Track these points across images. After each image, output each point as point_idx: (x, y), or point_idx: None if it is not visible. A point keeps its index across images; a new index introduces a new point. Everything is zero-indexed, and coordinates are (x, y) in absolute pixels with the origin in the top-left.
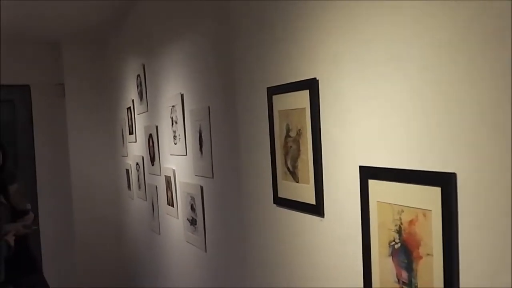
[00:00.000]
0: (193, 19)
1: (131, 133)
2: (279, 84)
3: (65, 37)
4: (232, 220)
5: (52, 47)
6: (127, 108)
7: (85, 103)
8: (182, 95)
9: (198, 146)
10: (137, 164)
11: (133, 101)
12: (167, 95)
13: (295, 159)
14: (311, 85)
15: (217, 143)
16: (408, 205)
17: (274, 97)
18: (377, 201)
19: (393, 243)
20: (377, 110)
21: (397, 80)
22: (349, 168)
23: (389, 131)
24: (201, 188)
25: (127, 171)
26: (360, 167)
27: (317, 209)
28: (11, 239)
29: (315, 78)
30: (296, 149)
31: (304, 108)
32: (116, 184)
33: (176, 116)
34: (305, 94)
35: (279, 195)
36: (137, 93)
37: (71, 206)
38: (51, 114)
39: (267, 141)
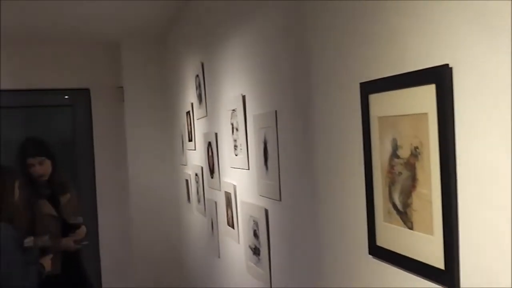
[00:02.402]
0: (256, 6)
1: (190, 140)
2: (380, 77)
3: (124, 38)
4: (305, 261)
5: (112, 49)
6: (187, 112)
7: (144, 107)
8: (243, 97)
9: (263, 159)
10: (196, 175)
11: (192, 104)
12: (227, 97)
13: (407, 193)
14: (440, 77)
15: (286, 157)
16: None
17: (372, 97)
18: None
19: None
20: None
21: None
22: None
23: None
24: (266, 211)
25: (187, 181)
26: None
27: (447, 277)
28: (47, 263)
29: (446, 65)
30: (409, 178)
31: (426, 114)
32: (175, 195)
33: (237, 122)
34: (427, 92)
35: (378, 243)
36: (196, 96)
37: (130, 216)
38: (110, 118)
39: (359, 161)
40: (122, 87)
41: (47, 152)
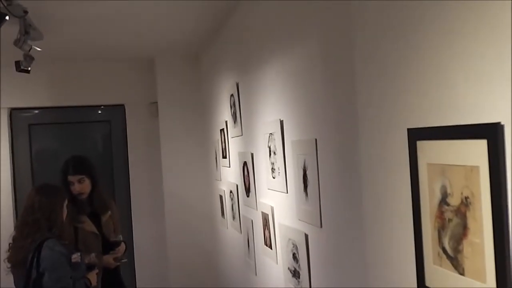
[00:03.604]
0: (297, 29)
1: (224, 156)
2: (430, 126)
3: (158, 55)
4: None
5: (146, 65)
6: (221, 130)
7: (178, 122)
8: (281, 122)
9: (302, 185)
10: (231, 192)
11: (226, 122)
12: (264, 120)
13: (457, 240)
14: (492, 134)
15: (327, 186)
16: None
17: (420, 143)
18: None
19: None
20: None
21: None
22: None
23: None
24: (306, 236)
25: (221, 197)
26: None
27: None
28: (92, 278)
29: (499, 124)
30: (459, 225)
31: (477, 167)
32: (209, 210)
33: (275, 146)
34: (479, 146)
35: (428, 285)
36: (230, 114)
37: (165, 230)
38: (145, 133)
39: (407, 203)
40: (156, 102)
41: (87, 170)
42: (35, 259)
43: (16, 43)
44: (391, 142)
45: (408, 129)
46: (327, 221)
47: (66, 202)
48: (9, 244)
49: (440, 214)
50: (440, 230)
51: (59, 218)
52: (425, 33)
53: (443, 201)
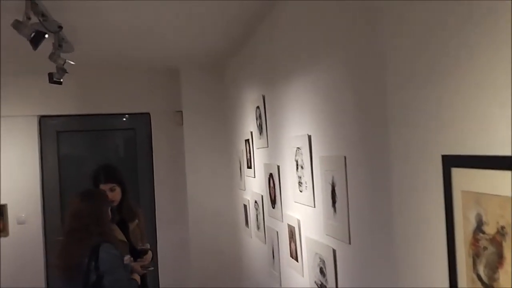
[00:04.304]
0: (326, 43)
1: (249, 167)
2: (466, 154)
3: (183, 65)
4: None
5: (172, 75)
6: (246, 140)
7: (202, 131)
8: (309, 137)
9: (331, 201)
10: (255, 202)
11: (251, 133)
12: (291, 134)
13: (493, 268)
14: None
15: (357, 204)
16: None
17: (455, 170)
18: None
19: None
20: None
21: None
22: None
23: None
24: (334, 251)
25: (245, 206)
26: None
27: None
28: (137, 277)
29: None
30: (495, 254)
31: None
32: (233, 219)
33: (302, 160)
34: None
35: None
36: (256, 126)
37: (188, 238)
38: (170, 141)
39: (440, 227)
40: (181, 111)
41: (118, 179)
42: (93, 263)
43: (51, 57)
44: (424, 166)
45: (443, 156)
46: (356, 238)
47: (109, 207)
48: (57, 251)
49: (475, 241)
50: (475, 257)
51: (108, 223)
52: (462, 58)
53: (478, 228)
